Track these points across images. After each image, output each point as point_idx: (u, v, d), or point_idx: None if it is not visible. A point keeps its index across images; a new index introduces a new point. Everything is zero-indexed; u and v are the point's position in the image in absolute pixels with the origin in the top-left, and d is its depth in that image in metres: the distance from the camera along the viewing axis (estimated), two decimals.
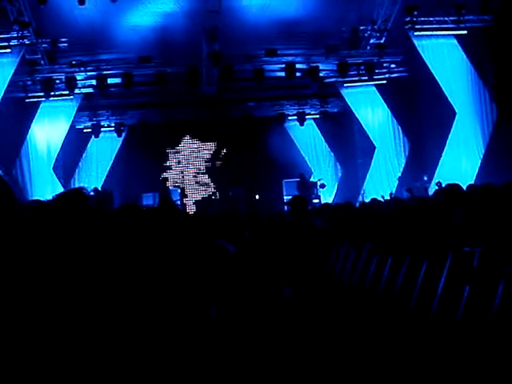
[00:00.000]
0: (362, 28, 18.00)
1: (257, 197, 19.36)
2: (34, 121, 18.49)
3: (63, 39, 16.75)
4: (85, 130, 20.98)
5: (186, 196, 21.54)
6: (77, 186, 19.91)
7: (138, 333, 2.22)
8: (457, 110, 16.95)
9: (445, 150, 17.15)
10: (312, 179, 20.59)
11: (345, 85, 19.65)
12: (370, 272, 7.36)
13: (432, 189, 15.97)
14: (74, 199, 2.48)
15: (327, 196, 20.45)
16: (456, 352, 4.66)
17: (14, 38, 15.43)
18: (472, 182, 14.29)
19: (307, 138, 22.43)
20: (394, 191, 17.99)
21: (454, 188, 6.74)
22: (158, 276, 2.85)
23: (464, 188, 7.48)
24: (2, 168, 14.67)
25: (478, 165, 16.45)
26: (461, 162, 16.85)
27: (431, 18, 16.65)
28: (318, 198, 19.38)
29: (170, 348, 2.50)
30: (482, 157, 16.55)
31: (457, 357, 4.59)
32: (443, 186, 13.74)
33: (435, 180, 16.46)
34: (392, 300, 6.34)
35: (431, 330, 5.29)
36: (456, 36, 16.94)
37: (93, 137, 21.15)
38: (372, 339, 5.47)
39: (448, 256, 5.42)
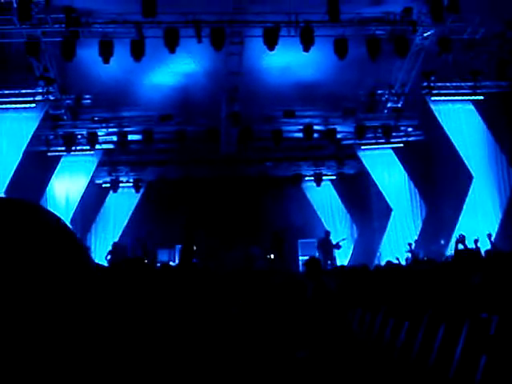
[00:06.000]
0: (379, 92, 18.25)
1: (272, 256, 19.26)
2: (55, 174, 18.74)
3: (87, 96, 17.08)
4: (103, 185, 21.21)
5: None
6: (93, 240, 20.03)
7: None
8: (474, 174, 16.97)
9: (462, 214, 17.09)
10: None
11: (362, 147, 19.83)
12: (385, 336, 7.25)
13: (451, 246, 15.70)
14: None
15: (343, 257, 20.32)
16: None
17: (39, 94, 15.76)
18: (489, 247, 14.15)
19: (324, 198, 22.50)
20: (409, 255, 17.77)
21: (471, 253, 6.69)
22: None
23: (482, 253, 7.42)
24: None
25: (496, 230, 16.33)
26: (478, 226, 16.74)
27: (448, 84, 16.88)
28: (333, 259, 19.25)
29: None
30: (499, 222, 16.46)
31: None
32: (465, 241, 13.47)
33: (456, 235, 16.12)
34: (408, 365, 6.23)
35: None
36: (473, 101, 17.13)
37: (111, 192, 21.35)
38: None
39: (465, 322, 5.34)
